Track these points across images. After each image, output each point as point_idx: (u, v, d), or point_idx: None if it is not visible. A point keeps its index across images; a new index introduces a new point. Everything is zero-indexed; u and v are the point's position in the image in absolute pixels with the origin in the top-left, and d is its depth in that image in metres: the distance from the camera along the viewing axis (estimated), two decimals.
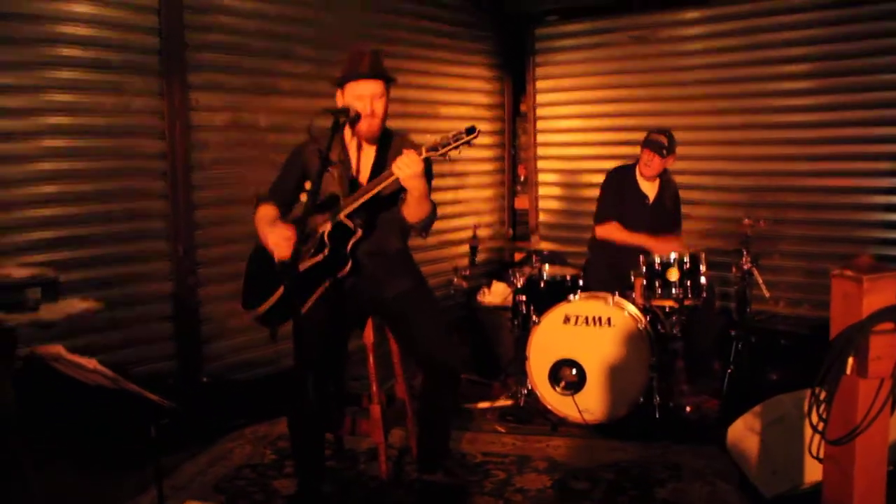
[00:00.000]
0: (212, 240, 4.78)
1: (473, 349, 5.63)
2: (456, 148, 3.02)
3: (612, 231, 5.04)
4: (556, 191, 7.08)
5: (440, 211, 6.24)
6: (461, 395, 4.86)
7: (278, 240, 3.16)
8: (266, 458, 4.07)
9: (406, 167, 3.01)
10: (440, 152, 3.03)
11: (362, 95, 3.22)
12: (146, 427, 2.94)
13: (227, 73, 4.80)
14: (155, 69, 4.44)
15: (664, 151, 4.96)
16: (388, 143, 3.40)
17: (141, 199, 4.47)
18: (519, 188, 7.26)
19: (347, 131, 3.34)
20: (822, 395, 2.12)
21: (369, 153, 3.39)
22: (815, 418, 2.14)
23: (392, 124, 5.79)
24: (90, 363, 2.64)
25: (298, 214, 3.18)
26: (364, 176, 3.37)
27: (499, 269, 6.64)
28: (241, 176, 4.84)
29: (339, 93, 3.32)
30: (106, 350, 4.29)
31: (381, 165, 3.34)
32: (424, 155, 3.04)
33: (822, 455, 2.17)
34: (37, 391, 3.38)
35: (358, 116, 3.24)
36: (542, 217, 7.16)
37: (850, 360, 2.04)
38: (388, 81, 3.31)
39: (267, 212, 3.41)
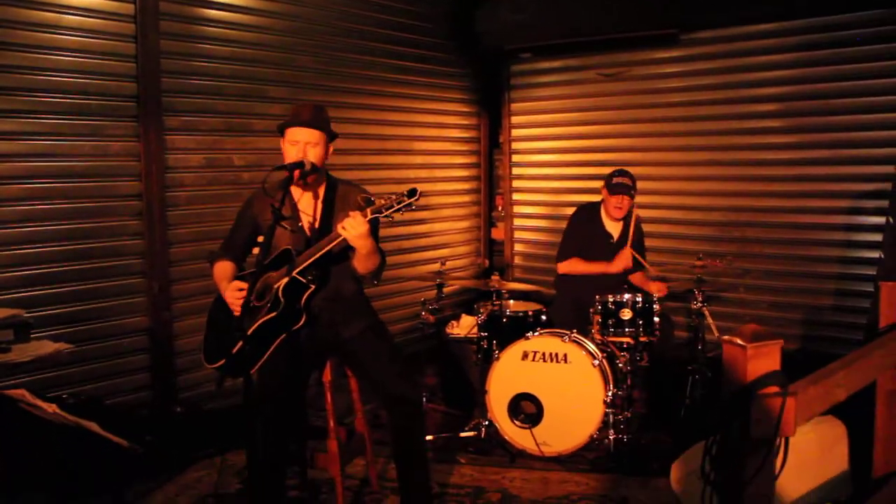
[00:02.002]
0: (186, 275, 4.97)
1: (443, 380, 5.81)
2: (398, 210, 3.20)
3: (573, 265, 5.24)
4: (531, 222, 7.27)
5: (415, 242, 6.52)
6: (427, 424, 5.05)
7: (232, 298, 3.38)
8: (232, 487, 4.25)
9: (352, 229, 3.19)
10: (384, 214, 3.21)
11: (297, 141, 3.42)
12: (107, 464, 3.11)
13: (202, 115, 5.00)
14: (132, 113, 4.65)
15: (633, 192, 5.14)
16: (334, 191, 3.60)
17: (118, 238, 4.67)
18: (497, 219, 7.45)
19: (295, 184, 3.50)
20: (713, 452, 2.30)
21: (318, 203, 3.57)
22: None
23: (370, 159, 6.08)
24: (50, 407, 2.83)
25: (250, 270, 3.37)
26: (315, 224, 3.55)
27: (475, 298, 6.82)
28: (216, 213, 5.03)
29: (282, 141, 3.52)
30: (83, 382, 4.50)
31: (330, 213, 3.54)
32: (369, 217, 3.21)
33: None
34: (8, 428, 3.56)
35: (313, 168, 3.43)
36: (517, 247, 7.35)
37: (736, 422, 2.22)
38: (328, 133, 3.50)
39: (224, 268, 3.62)
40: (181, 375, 4.98)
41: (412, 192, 3.20)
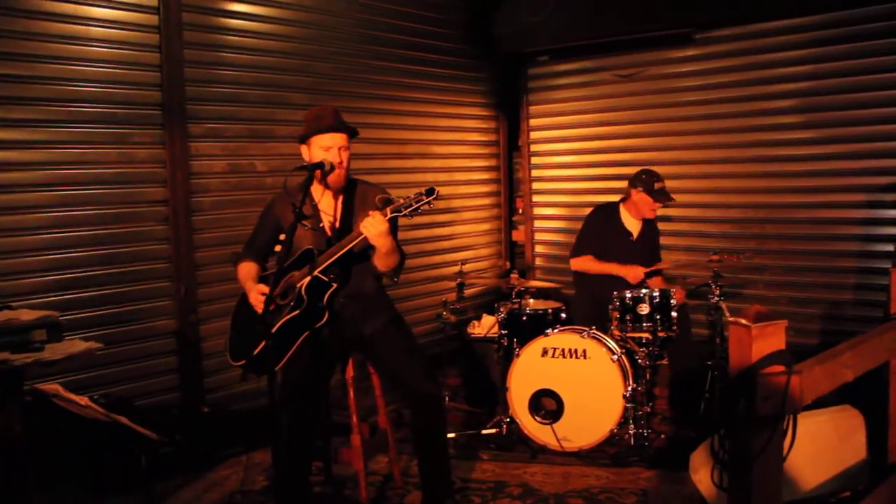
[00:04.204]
0: (212, 278, 5.07)
1: (465, 380, 5.89)
2: (417, 209, 3.29)
3: (585, 263, 5.30)
4: (552, 224, 7.34)
5: (436, 245, 6.61)
6: (450, 422, 5.14)
7: (256, 300, 3.51)
8: (258, 484, 4.34)
9: (372, 227, 3.29)
10: (403, 213, 3.30)
11: (329, 146, 3.52)
12: (137, 457, 3.22)
13: (225, 122, 5.12)
14: (158, 121, 4.77)
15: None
16: (353, 191, 3.70)
17: (145, 243, 4.78)
18: (517, 221, 7.52)
19: (316, 185, 3.62)
20: (723, 430, 2.36)
21: (338, 203, 3.67)
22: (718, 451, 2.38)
23: (390, 163, 6.18)
24: (83, 400, 2.94)
25: (274, 271, 3.47)
26: (335, 224, 3.65)
27: (496, 299, 6.90)
28: (241, 218, 5.12)
29: (303, 148, 3.62)
30: (112, 383, 4.60)
31: (350, 213, 3.64)
32: (389, 216, 3.31)
33: (724, 484, 2.40)
34: (43, 423, 3.68)
35: (332, 168, 3.53)
36: (538, 249, 7.42)
37: (742, 400, 2.27)
38: (352, 134, 3.61)
39: (249, 269, 3.74)
40: (208, 377, 5.09)
41: (430, 191, 3.29)
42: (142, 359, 4.79)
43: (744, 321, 2.32)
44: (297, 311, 3.50)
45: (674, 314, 4.80)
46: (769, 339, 2.30)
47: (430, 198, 3.30)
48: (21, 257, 4.32)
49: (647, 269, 5.18)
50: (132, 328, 4.75)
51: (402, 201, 3.32)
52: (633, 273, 5.13)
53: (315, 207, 3.66)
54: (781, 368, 2.28)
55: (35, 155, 4.35)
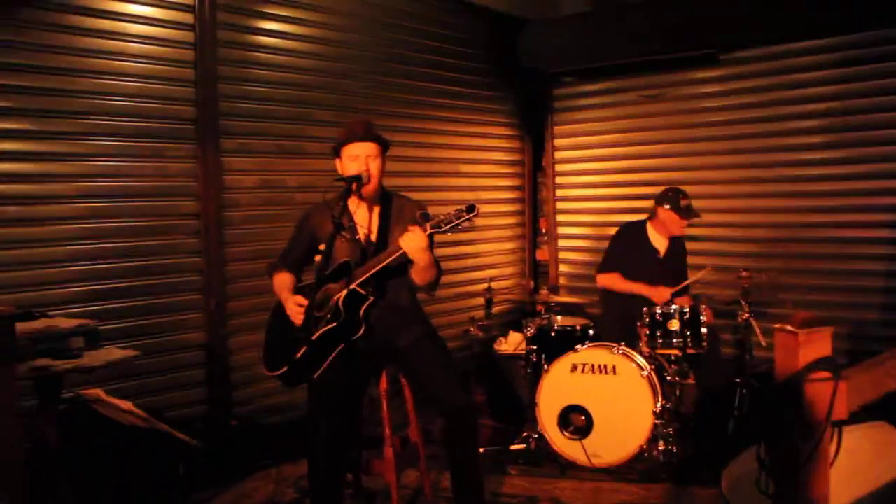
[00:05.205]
0: (242, 292, 5.12)
1: (492, 396, 5.88)
2: (457, 226, 3.30)
3: (612, 280, 5.30)
4: (576, 243, 7.35)
5: (460, 263, 6.64)
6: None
7: (293, 311, 3.53)
8: (287, 496, 4.35)
9: (412, 242, 3.31)
10: (443, 229, 3.31)
11: (357, 156, 3.54)
12: (175, 464, 3.23)
13: (257, 138, 5.19)
14: (191, 136, 4.84)
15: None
16: (389, 204, 3.72)
17: (177, 256, 4.84)
18: (541, 241, 7.54)
19: (352, 197, 3.65)
20: (768, 437, 2.36)
21: (374, 215, 3.69)
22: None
23: (416, 181, 6.22)
24: (125, 405, 2.97)
25: (312, 281, 3.49)
26: (371, 237, 3.67)
27: (519, 318, 6.91)
28: (271, 232, 5.18)
29: (337, 162, 3.65)
30: (142, 395, 4.61)
31: (386, 225, 3.66)
32: (429, 232, 3.32)
33: (770, 491, 2.40)
34: (80, 430, 3.70)
35: (369, 179, 3.56)
36: (562, 268, 7.44)
37: (789, 407, 2.28)
38: (383, 145, 3.63)
39: (284, 279, 3.76)
40: (237, 390, 5.11)
41: (471, 209, 3.29)
42: (171, 371, 4.83)
43: (790, 328, 2.32)
44: (334, 324, 3.51)
45: (703, 330, 4.80)
46: (816, 346, 2.30)
47: (471, 215, 3.30)
48: (56, 267, 4.37)
49: (674, 289, 5.16)
50: (162, 340, 4.79)
51: (442, 217, 3.32)
52: (659, 294, 5.11)
53: (351, 219, 3.69)
54: (828, 375, 2.28)
55: (73, 167, 4.41)
